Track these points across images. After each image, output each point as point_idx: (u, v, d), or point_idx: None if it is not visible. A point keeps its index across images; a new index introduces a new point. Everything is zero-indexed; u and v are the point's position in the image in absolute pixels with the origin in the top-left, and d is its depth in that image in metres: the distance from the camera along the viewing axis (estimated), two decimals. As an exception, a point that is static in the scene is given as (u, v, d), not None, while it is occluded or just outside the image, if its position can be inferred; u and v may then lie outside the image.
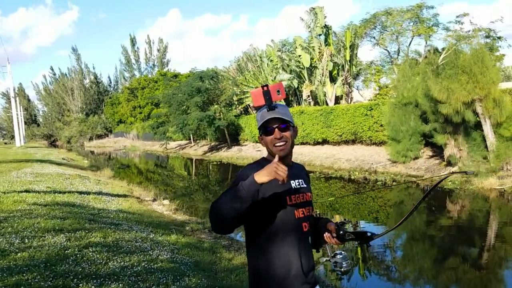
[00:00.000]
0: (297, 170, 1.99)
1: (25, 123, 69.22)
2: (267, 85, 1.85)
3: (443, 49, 21.73)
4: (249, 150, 25.17)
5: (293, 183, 1.89)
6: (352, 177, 14.45)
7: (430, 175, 12.87)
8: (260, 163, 1.84)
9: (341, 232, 1.92)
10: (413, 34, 24.46)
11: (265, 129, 1.85)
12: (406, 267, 6.57)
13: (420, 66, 15.05)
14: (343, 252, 1.97)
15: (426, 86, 12.63)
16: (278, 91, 1.86)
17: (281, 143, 1.83)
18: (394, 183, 12.88)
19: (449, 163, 12.76)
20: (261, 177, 1.61)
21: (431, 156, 14.33)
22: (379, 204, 11.16)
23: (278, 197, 1.80)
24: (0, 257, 4.27)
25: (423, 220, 9.41)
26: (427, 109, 12.95)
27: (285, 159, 1.86)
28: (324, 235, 1.96)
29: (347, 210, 10.85)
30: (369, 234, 1.92)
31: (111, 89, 69.19)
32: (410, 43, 25.37)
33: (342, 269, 1.95)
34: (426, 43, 24.44)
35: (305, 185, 1.95)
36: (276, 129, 1.84)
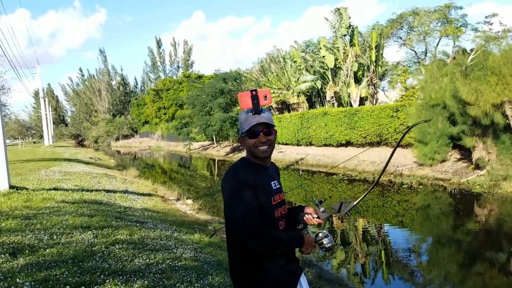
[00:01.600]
0: (271, 171, 2.06)
1: (54, 123, 71.14)
2: (255, 90, 1.95)
3: (471, 50, 21.12)
4: (272, 151, 25.13)
5: (273, 183, 1.98)
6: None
7: (458, 178, 12.56)
8: (247, 165, 1.95)
9: (322, 209, 2.04)
10: (441, 35, 24.00)
11: (251, 132, 1.92)
12: (431, 272, 6.43)
13: (448, 67, 14.70)
14: (324, 231, 2.04)
15: (454, 87, 12.34)
16: (266, 96, 1.96)
17: (265, 147, 1.94)
18: (420, 186, 12.63)
19: (478, 166, 12.42)
20: (307, 250, 1.97)
21: (459, 159, 13.98)
22: (404, 208, 10.96)
23: (266, 198, 1.91)
24: (29, 253, 4.40)
25: (450, 224, 9.20)
26: (455, 110, 12.64)
27: (267, 159, 2.00)
28: (305, 218, 2.06)
29: (372, 213, 10.70)
30: (345, 203, 2.05)
31: (137, 90, 70.49)
32: (437, 43, 24.91)
33: (326, 246, 2.02)
34: (454, 43, 23.92)
35: (278, 186, 2.03)
36: (261, 133, 1.93)
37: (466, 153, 13.59)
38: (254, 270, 1.87)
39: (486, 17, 22.72)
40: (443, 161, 14.01)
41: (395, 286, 5.78)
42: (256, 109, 1.92)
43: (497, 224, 8.80)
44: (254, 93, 1.93)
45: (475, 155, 12.39)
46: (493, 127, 11.74)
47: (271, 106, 29.89)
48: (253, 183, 1.85)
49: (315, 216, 2.04)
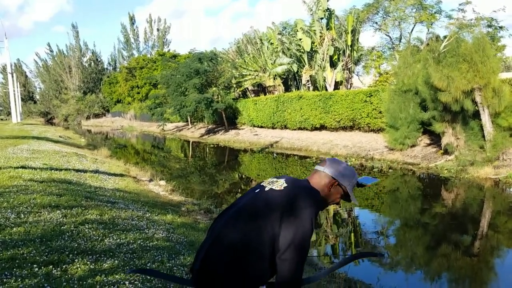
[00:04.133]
0: None
1: (22, 99, 68.77)
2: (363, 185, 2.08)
3: (445, 37, 21.58)
4: (246, 134, 25.15)
5: None
6: (349, 163, 14.49)
7: (427, 163, 12.92)
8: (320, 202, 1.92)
9: None
10: (416, 21, 24.32)
11: (357, 185, 2.02)
12: (398, 253, 6.64)
13: (422, 53, 14.95)
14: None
15: (427, 73, 12.58)
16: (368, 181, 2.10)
17: (339, 202, 2.03)
18: (390, 170, 12.94)
19: (446, 152, 12.81)
20: None
21: (429, 144, 14.37)
22: (373, 191, 11.22)
23: None
24: (-4, 231, 4.27)
25: (418, 207, 9.50)
26: (426, 96, 12.92)
27: None
28: None
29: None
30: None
31: (110, 68, 68.62)
32: (412, 29, 25.24)
33: None
34: (428, 30, 24.31)
35: None
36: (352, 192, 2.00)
37: (435, 139, 13.98)
38: None
39: (460, 4, 23.14)
40: (413, 146, 14.38)
41: (363, 267, 5.94)
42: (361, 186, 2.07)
43: (463, 208, 9.15)
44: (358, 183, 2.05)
45: (444, 141, 12.76)
46: (462, 114, 12.08)
47: (247, 88, 29.73)
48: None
49: None
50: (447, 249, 6.69)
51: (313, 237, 7.18)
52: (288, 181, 1.90)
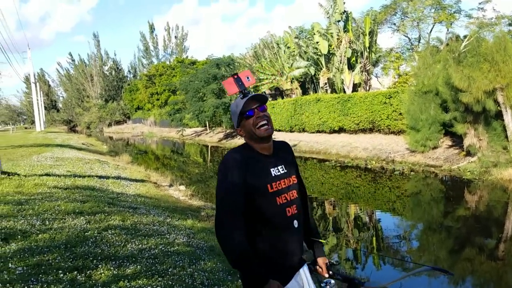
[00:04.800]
0: (277, 155, 1.99)
1: (45, 108, 70.54)
2: (236, 73, 1.96)
3: (465, 36, 21.18)
4: (265, 138, 25.13)
5: (273, 171, 1.91)
6: (369, 166, 14.34)
7: (449, 165, 12.69)
8: (244, 150, 1.90)
9: (331, 272, 2.01)
10: (435, 21, 23.97)
11: (244, 114, 1.89)
12: (421, 258, 6.52)
13: (441, 53, 14.71)
14: (332, 281, 1.99)
15: (447, 74, 12.37)
16: (248, 77, 1.97)
17: (264, 122, 1.89)
18: (412, 173, 12.75)
19: (469, 153, 12.54)
20: None
21: (450, 146, 14.10)
22: (395, 194, 11.08)
23: (259, 187, 1.83)
24: (22, 238, 4.39)
25: (440, 210, 9.33)
26: (447, 97, 12.70)
27: (269, 139, 1.94)
28: (317, 267, 2.04)
29: (363, 199, 10.80)
30: (356, 281, 2.00)
31: (130, 75, 69.83)
32: (431, 30, 24.89)
33: None
34: (448, 30, 23.92)
35: (285, 170, 1.96)
36: (256, 110, 1.90)
37: (457, 140, 13.71)
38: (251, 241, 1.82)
39: (479, 3, 22.71)
40: (435, 147, 14.14)
41: (385, 271, 5.87)
42: (244, 89, 1.92)
43: (487, 211, 8.94)
44: (236, 76, 1.94)
45: (467, 142, 12.50)
46: (484, 114, 11.82)
47: (264, 92, 29.80)
48: (244, 165, 1.81)
49: (326, 275, 2.01)
50: (471, 252, 6.55)
51: (334, 242, 7.15)
52: None
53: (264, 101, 1.92)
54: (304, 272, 1.96)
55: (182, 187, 11.53)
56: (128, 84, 61.29)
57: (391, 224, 8.38)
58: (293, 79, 27.08)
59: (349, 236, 7.53)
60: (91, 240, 4.50)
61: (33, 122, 63.63)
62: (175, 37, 62.35)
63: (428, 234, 7.87)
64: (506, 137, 11.55)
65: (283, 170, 1.94)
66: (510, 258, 6.24)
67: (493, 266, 5.92)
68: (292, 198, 1.92)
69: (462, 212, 8.85)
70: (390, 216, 9.10)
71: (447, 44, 18.76)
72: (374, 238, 7.50)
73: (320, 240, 2.08)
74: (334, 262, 2.08)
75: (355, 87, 23.81)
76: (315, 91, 27.05)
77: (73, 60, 72.90)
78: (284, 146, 2.09)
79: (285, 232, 1.87)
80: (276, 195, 1.86)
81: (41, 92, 61.45)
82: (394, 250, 6.76)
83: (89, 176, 10.04)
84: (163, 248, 4.56)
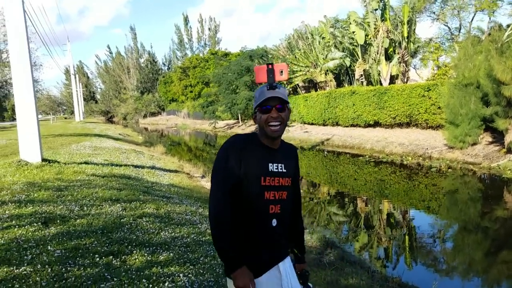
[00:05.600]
0: (282, 153, 1.99)
1: (84, 99, 72.94)
2: (272, 64, 1.90)
3: (508, 25, 20.16)
4: (296, 131, 25.02)
5: (270, 165, 1.90)
6: (405, 163, 13.97)
7: (488, 162, 12.17)
8: (252, 138, 1.93)
9: (301, 281, 2.07)
10: (476, 9, 22.94)
11: (263, 107, 1.87)
12: (455, 259, 6.30)
13: (483, 44, 14.05)
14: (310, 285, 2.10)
15: (489, 65, 11.81)
16: (282, 71, 1.91)
17: (276, 123, 1.88)
18: (449, 170, 12.33)
19: (510, 150, 11.97)
20: (237, 282, 1.74)
21: (491, 142, 13.51)
22: (431, 192, 10.74)
23: (253, 176, 1.84)
24: (61, 222, 4.57)
25: (478, 210, 8.97)
26: (489, 90, 12.14)
27: (275, 141, 1.94)
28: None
29: (397, 196, 10.55)
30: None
31: (165, 68, 71.07)
32: (472, 19, 23.88)
33: None
34: (490, 19, 22.85)
35: (284, 170, 1.95)
36: (274, 108, 1.86)
37: (498, 136, 13.11)
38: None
39: (526, -9, 21.53)
40: (474, 144, 13.58)
41: (417, 271, 5.71)
42: (271, 83, 1.88)
43: (529, 210, 8.52)
44: (270, 66, 1.89)
45: (508, 139, 11.93)
46: (529, 109, 11.24)
47: (298, 85, 29.56)
48: (243, 158, 1.83)
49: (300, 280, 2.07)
50: (509, 255, 6.27)
51: (365, 239, 7.02)
52: None
53: (285, 102, 1.90)
54: (284, 268, 1.95)
55: (214, 179, 11.64)
56: (163, 77, 62.39)
57: (425, 223, 8.14)
58: (327, 71, 26.68)
59: (381, 233, 7.38)
60: (126, 226, 4.62)
61: (72, 113, 66.00)
62: (209, 29, 62.84)
63: (463, 234, 7.58)
64: (553, 133, 10.95)
65: (281, 169, 1.94)
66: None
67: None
68: (281, 198, 1.92)
69: (500, 213, 8.47)
70: (424, 215, 8.83)
71: (489, 34, 17.90)
72: (407, 237, 7.31)
73: (296, 251, 2.16)
74: (307, 272, 2.13)
75: (393, 79, 23.17)
76: (350, 83, 26.57)
77: (111, 53, 75.04)
78: (291, 149, 2.10)
79: (260, 227, 1.88)
80: (266, 189, 1.87)
81: (80, 83, 63.54)
82: (427, 250, 6.56)
83: (125, 165, 10.32)
84: (195, 237, 4.62)
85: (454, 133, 13.59)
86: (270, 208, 1.88)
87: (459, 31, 24.79)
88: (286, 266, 1.96)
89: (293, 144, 2.16)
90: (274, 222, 1.90)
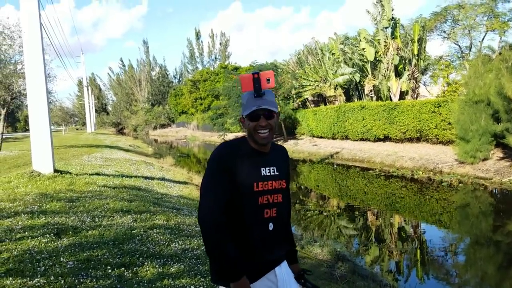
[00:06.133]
0: (273, 156, 1.98)
1: (96, 111, 73.82)
2: (258, 73, 1.88)
3: (520, 44, 20.09)
4: (305, 144, 25.01)
5: (263, 170, 1.90)
6: (415, 177, 13.88)
7: (500, 178, 12.05)
8: (241, 144, 1.91)
9: (302, 280, 2.03)
10: (487, 29, 22.93)
11: (251, 115, 1.86)
12: (467, 273, 6.24)
13: (494, 62, 14.02)
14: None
15: (500, 83, 11.80)
16: (268, 79, 1.89)
17: (265, 131, 1.87)
18: (460, 184, 12.22)
19: (523, 166, 11.86)
20: None
21: (502, 158, 13.39)
22: (442, 206, 10.65)
23: (246, 183, 1.83)
24: (73, 233, 4.63)
25: (489, 224, 8.87)
26: (499, 107, 12.09)
27: (266, 145, 1.93)
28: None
29: (408, 210, 10.47)
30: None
31: (175, 81, 71.79)
32: (483, 38, 23.83)
33: None
34: (501, 38, 22.80)
35: (277, 173, 1.94)
36: (262, 117, 1.86)
37: (509, 152, 13.00)
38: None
39: (535, 10, 21.50)
40: (485, 159, 13.47)
41: (429, 285, 5.66)
42: (258, 92, 1.87)
43: (542, 227, 8.40)
44: (256, 76, 1.87)
45: (521, 155, 11.83)
46: (541, 126, 11.15)
47: (307, 99, 29.65)
48: (233, 167, 1.82)
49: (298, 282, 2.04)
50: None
51: (376, 253, 6.98)
52: None
53: (273, 111, 1.89)
54: (281, 272, 1.94)
55: (224, 191, 11.66)
56: (174, 89, 63.03)
57: (437, 237, 8.06)
58: (336, 85, 26.76)
59: (392, 247, 7.32)
60: (137, 238, 4.66)
61: (84, 124, 66.80)
62: (220, 43, 63.54)
63: (475, 248, 7.50)
64: None
65: (274, 172, 1.93)
66: None
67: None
68: (276, 201, 1.91)
69: (514, 228, 8.36)
70: (436, 229, 8.76)
71: (500, 53, 17.86)
72: (418, 251, 7.25)
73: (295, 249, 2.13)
74: (307, 272, 2.09)
75: (402, 95, 23.16)
76: (360, 98, 26.58)
77: (124, 65, 76.04)
78: (281, 151, 2.10)
79: (257, 232, 1.86)
80: (259, 194, 1.86)
81: (93, 95, 64.39)
82: (439, 264, 6.50)
83: (135, 176, 10.40)
84: (204, 249, 4.64)
85: (464, 149, 13.50)
86: (265, 212, 1.88)
87: (470, 50, 24.76)
88: (282, 270, 1.95)
89: (282, 146, 2.16)
90: (271, 226, 1.90)
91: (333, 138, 24.04)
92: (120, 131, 71.65)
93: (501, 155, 13.56)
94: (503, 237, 7.87)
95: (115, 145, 25.48)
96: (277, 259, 1.94)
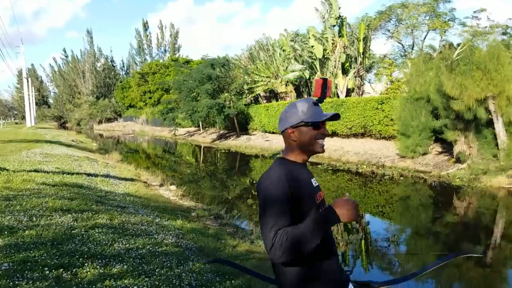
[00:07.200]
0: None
1: (36, 104, 69.92)
2: (326, 79, 1.80)
3: (458, 44, 21.41)
4: (258, 140, 25.17)
5: (313, 181, 1.80)
6: (360, 171, 14.40)
7: (438, 171, 12.78)
8: (288, 164, 1.74)
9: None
10: (429, 28, 24.21)
11: (312, 123, 1.75)
12: (409, 262, 6.56)
13: (434, 61, 14.83)
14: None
15: (439, 81, 12.47)
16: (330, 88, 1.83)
17: (324, 139, 1.80)
18: (401, 178, 12.83)
19: (458, 160, 12.65)
20: (345, 218, 1.56)
21: (440, 152, 14.21)
22: (384, 198, 11.13)
23: (310, 196, 1.72)
24: (8, 234, 4.34)
25: (429, 215, 9.39)
26: (438, 105, 12.81)
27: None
28: None
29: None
30: (372, 284, 1.93)
31: (123, 73, 69.47)
32: (425, 37, 25.14)
33: None
34: (441, 38, 24.18)
35: (317, 183, 1.85)
36: (324, 124, 1.79)
37: (447, 147, 13.83)
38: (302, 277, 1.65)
39: (474, 12, 22.98)
40: (425, 154, 14.23)
41: (373, 275, 5.88)
42: (323, 98, 1.78)
43: (475, 217, 9.01)
44: (324, 81, 1.78)
45: (457, 149, 12.60)
46: (475, 122, 11.93)
47: (259, 94, 29.82)
48: (290, 176, 1.66)
49: None
50: (459, 259, 6.57)
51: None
52: None
53: (335, 119, 1.83)
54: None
55: (173, 187, 11.47)
56: (121, 82, 60.86)
57: (380, 228, 8.42)
58: (287, 82, 27.13)
59: (337, 238, 7.54)
60: (78, 238, 4.45)
61: (23, 118, 63.11)
62: (170, 35, 62.25)
63: (416, 239, 7.91)
64: (497, 145, 11.67)
65: (315, 183, 1.83)
66: (498, 265, 6.29)
67: (480, 272, 5.96)
68: None
69: (450, 218, 8.91)
70: (379, 220, 9.14)
71: (440, 52, 18.92)
72: (362, 241, 7.52)
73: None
74: (347, 270, 1.98)
75: (349, 92, 23.94)
76: (309, 94, 27.13)
77: (67, 56, 72.38)
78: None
79: (330, 243, 1.76)
80: (321, 206, 1.75)
81: (33, 87, 60.85)
82: (382, 254, 6.78)
83: (77, 173, 9.95)
84: (150, 248, 4.52)
85: (405, 144, 14.19)
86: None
87: (412, 49, 26.02)
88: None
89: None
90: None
91: (284, 134, 24.31)
92: (63, 125, 68.32)
93: (439, 149, 14.39)
94: (441, 227, 8.36)
95: (57, 140, 24.26)
96: (346, 277, 1.86)
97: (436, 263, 2.14)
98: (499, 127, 11.45)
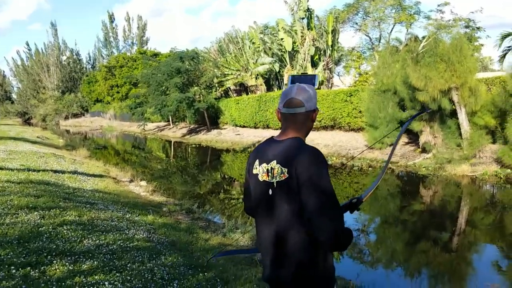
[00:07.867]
0: None
1: (-2, 99, 67.07)
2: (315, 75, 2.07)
3: (423, 37, 22.01)
4: (228, 134, 25.11)
5: None
6: (330, 162, 14.63)
7: (405, 161, 13.16)
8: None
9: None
10: (395, 21, 24.75)
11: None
12: (378, 251, 6.75)
13: (400, 53, 15.22)
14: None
15: (405, 73, 12.80)
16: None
17: None
18: (370, 168, 13.12)
19: (424, 150, 13.06)
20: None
21: (407, 143, 14.63)
22: (354, 189, 11.37)
23: None
24: (-29, 233, 4.18)
25: (397, 204, 9.67)
26: (405, 96, 13.16)
27: None
28: None
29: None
30: (354, 200, 2.05)
31: (89, 66, 67.49)
32: (391, 30, 25.69)
33: None
34: (407, 30, 24.79)
35: None
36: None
37: (413, 138, 14.24)
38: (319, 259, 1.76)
39: (438, 5, 23.65)
40: (392, 144, 14.61)
41: (344, 264, 6.01)
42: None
43: (441, 205, 9.36)
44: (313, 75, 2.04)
45: (422, 139, 13.01)
46: (440, 113, 12.34)
47: (229, 88, 29.70)
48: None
49: None
50: (426, 245, 6.83)
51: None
52: (282, 160, 1.71)
53: None
54: None
55: (143, 183, 11.31)
56: (87, 75, 59.10)
57: (350, 218, 8.58)
58: (257, 75, 27.13)
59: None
60: (45, 235, 4.33)
61: (-16, 114, 60.40)
62: (137, 27, 60.91)
63: (384, 227, 8.14)
64: (460, 135, 12.12)
65: None
66: (462, 250, 6.56)
67: (447, 258, 6.21)
68: None
69: (417, 207, 9.21)
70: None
71: (406, 45, 19.43)
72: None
73: None
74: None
75: (318, 85, 24.19)
76: (280, 87, 27.25)
77: (30, 50, 69.63)
78: None
79: None
80: None
81: (-7, 82, 58.37)
82: (352, 244, 6.92)
83: (43, 170, 9.64)
84: (121, 244, 4.45)
85: (373, 135, 14.52)
86: None
87: (379, 41, 26.56)
88: None
89: None
90: None
91: (255, 127, 24.38)
92: (27, 122, 65.84)
93: (406, 140, 14.80)
94: (409, 216, 8.63)
95: (21, 136, 23.39)
96: None
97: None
98: (462, 117, 11.89)
